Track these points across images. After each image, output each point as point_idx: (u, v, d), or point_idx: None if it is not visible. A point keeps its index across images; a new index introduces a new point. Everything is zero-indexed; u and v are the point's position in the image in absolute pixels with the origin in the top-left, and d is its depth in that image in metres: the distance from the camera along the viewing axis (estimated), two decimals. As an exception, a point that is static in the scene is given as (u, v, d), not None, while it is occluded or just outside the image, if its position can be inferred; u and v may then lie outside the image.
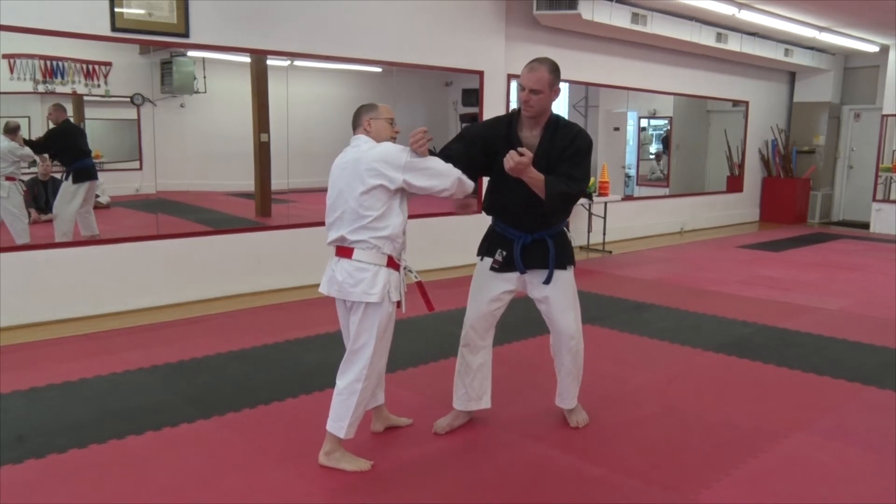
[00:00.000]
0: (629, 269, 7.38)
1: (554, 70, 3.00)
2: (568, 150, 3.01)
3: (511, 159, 2.82)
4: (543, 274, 3.12)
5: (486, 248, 3.23)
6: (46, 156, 5.78)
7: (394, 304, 2.86)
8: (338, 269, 2.82)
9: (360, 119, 2.92)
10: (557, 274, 3.13)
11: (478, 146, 3.04)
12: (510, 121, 3.12)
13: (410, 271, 2.94)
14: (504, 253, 3.14)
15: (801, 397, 3.81)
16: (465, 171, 2.94)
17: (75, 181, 5.59)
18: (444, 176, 2.78)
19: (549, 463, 3.00)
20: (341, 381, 2.87)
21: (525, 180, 2.90)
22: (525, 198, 3.00)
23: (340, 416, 2.84)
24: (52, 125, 5.51)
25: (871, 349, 4.69)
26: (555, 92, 3.02)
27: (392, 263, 2.82)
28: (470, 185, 2.87)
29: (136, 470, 2.86)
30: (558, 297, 3.16)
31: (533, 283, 3.18)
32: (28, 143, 5.52)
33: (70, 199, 5.55)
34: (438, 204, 8.12)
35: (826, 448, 3.18)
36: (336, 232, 2.83)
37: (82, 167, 5.62)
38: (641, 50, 9.22)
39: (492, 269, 3.18)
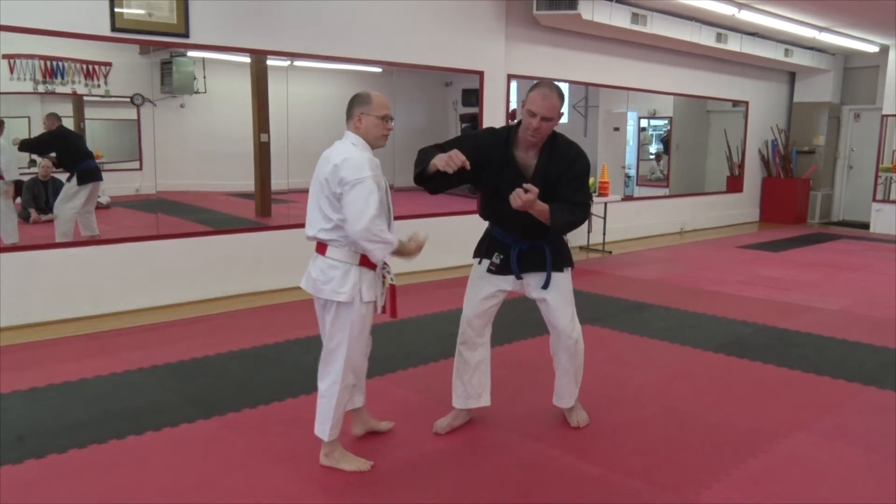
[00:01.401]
0: (629, 269, 7.38)
1: (562, 96, 3.00)
2: (566, 175, 3.00)
3: (518, 198, 2.79)
4: (540, 277, 3.14)
5: (483, 251, 3.24)
6: (46, 158, 5.79)
7: (368, 304, 2.79)
8: (313, 266, 2.80)
9: (351, 111, 2.80)
10: (555, 276, 3.14)
11: (469, 158, 2.87)
12: (507, 138, 3.06)
13: (388, 273, 2.88)
14: (501, 256, 3.16)
15: (801, 397, 3.81)
16: (453, 177, 2.89)
17: (80, 182, 5.61)
18: (354, 220, 2.62)
19: (549, 463, 3.00)
20: (322, 384, 2.85)
21: (531, 213, 2.88)
22: (520, 215, 2.95)
23: (323, 419, 2.83)
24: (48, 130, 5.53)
25: (871, 349, 4.69)
26: (559, 116, 3.00)
27: (366, 262, 2.76)
28: (378, 255, 2.70)
29: (136, 470, 2.86)
30: (556, 298, 3.17)
31: (531, 286, 3.19)
32: (24, 142, 5.52)
33: (70, 199, 5.56)
34: (438, 204, 8.14)
35: (826, 448, 3.18)
36: (311, 228, 2.80)
37: (86, 169, 5.64)
38: (641, 50, 9.22)
39: (489, 271, 3.19)
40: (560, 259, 3.15)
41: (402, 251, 2.80)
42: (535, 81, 3.03)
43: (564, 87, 8.70)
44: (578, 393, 3.38)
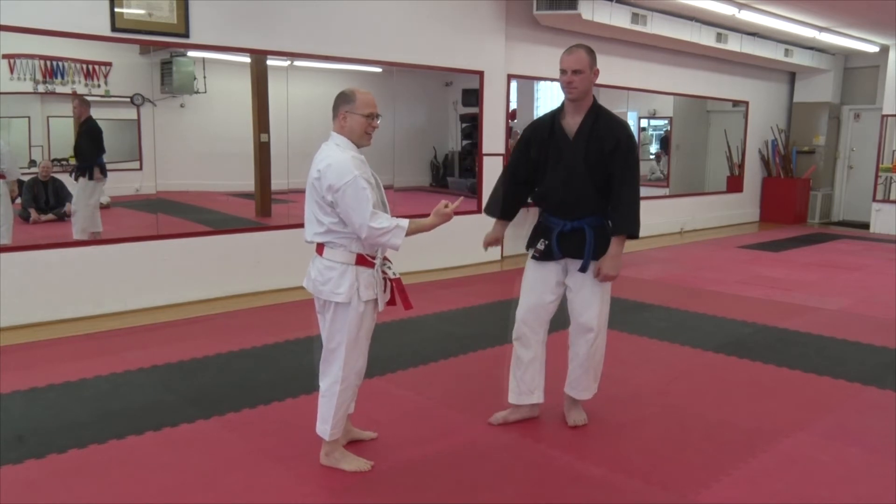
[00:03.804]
0: (629, 269, 7.38)
1: (591, 52, 3.12)
2: (608, 144, 3.08)
3: (605, 278, 3.13)
4: (580, 263, 3.17)
5: (532, 240, 3.29)
6: (46, 157, 5.81)
7: (367, 303, 2.76)
8: (313, 266, 2.80)
9: (336, 110, 2.77)
10: (593, 265, 3.17)
11: (532, 145, 3.22)
12: (554, 114, 3.22)
13: (389, 268, 2.83)
14: (546, 242, 3.19)
15: (801, 397, 3.81)
16: (529, 172, 3.22)
17: (94, 177, 5.62)
18: (357, 224, 2.63)
19: (549, 463, 3.00)
20: (322, 383, 2.84)
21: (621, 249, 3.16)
22: (562, 182, 3.11)
23: (324, 419, 2.83)
24: (77, 119, 5.56)
25: (871, 349, 4.69)
26: (594, 73, 3.13)
27: (363, 261, 2.74)
28: (395, 243, 2.67)
29: (136, 470, 2.86)
30: (587, 287, 3.19)
31: (570, 271, 3.23)
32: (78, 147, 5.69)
33: (90, 195, 5.62)
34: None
35: (826, 448, 3.18)
36: (308, 233, 2.80)
37: (101, 164, 5.67)
38: (641, 50, 9.22)
39: (533, 257, 3.24)
40: (601, 246, 3.16)
41: (420, 228, 2.74)
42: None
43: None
44: (597, 389, 3.39)
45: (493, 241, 3.34)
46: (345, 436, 3.04)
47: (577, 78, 3.06)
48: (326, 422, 2.82)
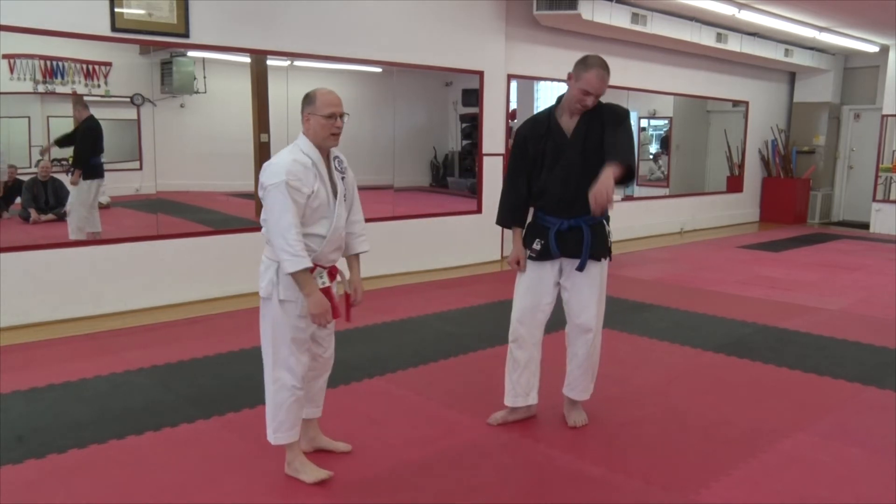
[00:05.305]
0: (629, 269, 7.38)
1: (609, 70, 3.10)
2: (597, 119, 3.09)
3: (597, 201, 2.87)
4: (577, 262, 3.16)
5: (527, 240, 3.27)
6: (45, 157, 5.81)
7: (286, 303, 2.66)
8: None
9: (301, 112, 2.71)
10: (590, 265, 3.16)
11: (529, 142, 3.19)
12: (550, 112, 3.21)
13: (320, 276, 2.67)
14: (542, 242, 3.18)
15: (801, 397, 3.81)
16: (531, 171, 3.16)
17: (93, 177, 5.62)
18: (270, 225, 2.60)
19: (549, 463, 3.00)
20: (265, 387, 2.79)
21: (613, 178, 2.89)
22: (560, 180, 3.10)
23: (268, 423, 2.77)
24: (77, 120, 5.55)
25: (871, 349, 4.69)
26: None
27: None
28: (285, 266, 2.57)
29: (136, 470, 2.86)
30: (584, 288, 3.19)
31: (566, 271, 3.22)
32: (61, 139, 5.66)
33: (86, 195, 5.60)
34: (438, 204, 8.11)
35: (826, 448, 3.18)
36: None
37: (97, 164, 5.66)
38: (641, 50, 9.22)
39: (529, 257, 3.22)
40: (598, 244, 3.15)
41: (304, 283, 2.60)
42: (584, 55, 3.10)
43: (563, 87, 8.69)
44: (594, 389, 3.39)
45: (520, 258, 3.25)
46: (308, 441, 2.99)
47: (594, 101, 3.07)
48: (269, 425, 2.76)
